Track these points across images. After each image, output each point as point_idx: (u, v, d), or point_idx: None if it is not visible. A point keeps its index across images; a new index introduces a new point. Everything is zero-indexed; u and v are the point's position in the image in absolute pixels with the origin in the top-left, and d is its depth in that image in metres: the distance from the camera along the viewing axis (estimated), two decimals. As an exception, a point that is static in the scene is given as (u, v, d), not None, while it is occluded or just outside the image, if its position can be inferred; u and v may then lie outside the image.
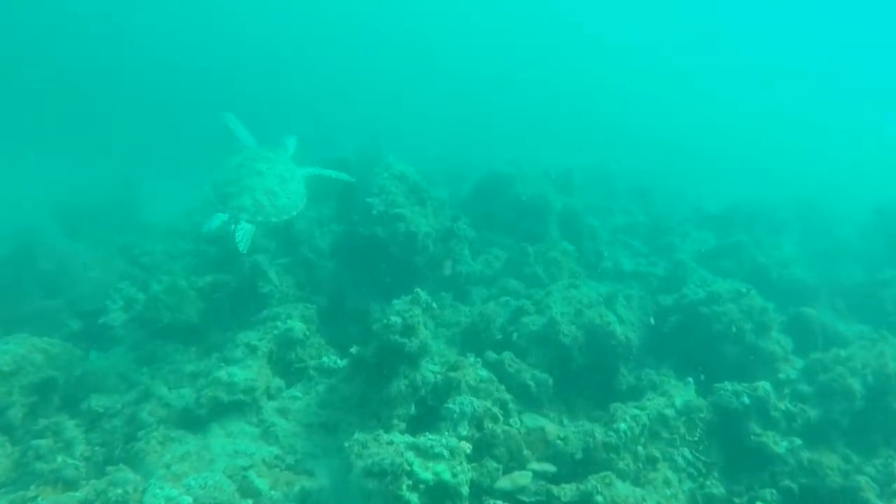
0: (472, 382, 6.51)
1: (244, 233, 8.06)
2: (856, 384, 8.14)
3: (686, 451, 7.12)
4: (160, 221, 15.56)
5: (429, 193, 10.65)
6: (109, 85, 39.58)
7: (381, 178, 10.22)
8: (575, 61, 66.17)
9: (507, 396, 6.73)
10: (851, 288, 12.87)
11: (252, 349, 7.67)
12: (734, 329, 9.26)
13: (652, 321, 9.92)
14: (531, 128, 38.52)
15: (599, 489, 5.52)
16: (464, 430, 5.80)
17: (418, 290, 7.09)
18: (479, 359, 7.44)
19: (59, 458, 6.20)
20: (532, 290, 10.62)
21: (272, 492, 5.86)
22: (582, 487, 5.57)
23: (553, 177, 17.61)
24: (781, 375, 8.78)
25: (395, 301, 7.03)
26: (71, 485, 5.84)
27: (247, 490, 5.83)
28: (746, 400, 7.34)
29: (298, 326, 8.04)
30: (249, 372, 7.14)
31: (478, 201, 14.87)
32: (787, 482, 6.82)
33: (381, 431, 5.46)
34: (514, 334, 8.66)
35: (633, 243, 15.53)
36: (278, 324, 8.15)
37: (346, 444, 5.32)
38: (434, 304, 7.34)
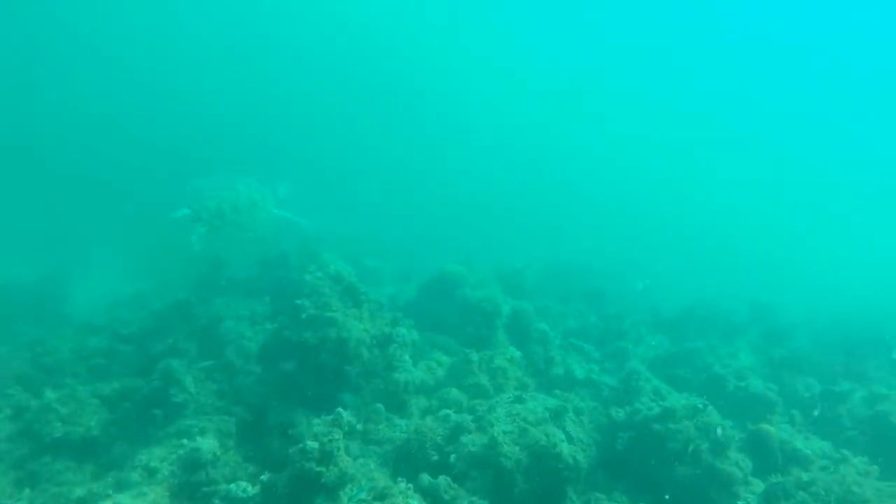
0: (400, 515, 5.84)
1: (200, 235, 10.11)
2: (820, 514, 7.66)
3: None
4: (81, 313, 14.69)
5: (366, 295, 10.13)
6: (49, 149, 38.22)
7: (314, 277, 9.70)
8: (539, 152, 67.09)
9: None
10: (809, 400, 12.56)
11: (151, 472, 6.88)
12: (690, 448, 8.76)
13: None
14: (493, 222, 38.60)
15: None
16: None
17: (340, 409, 6.47)
18: (411, 484, 6.77)
19: None
20: (476, 401, 10.04)
21: None
22: None
23: (505, 277, 17.38)
24: (741, 503, 8.24)
25: (314, 421, 6.39)
26: None
27: None
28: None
29: (208, 445, 7.28)
30: (142, 502, 6.32)
31: (425, 302, 14.43)
32: None
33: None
34: (453, 455, 8.02)
35: (586, 347, 15.08)
36: (185, 441, 7.39)
37: None
38: (358, 426, 6.71)
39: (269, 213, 11.89)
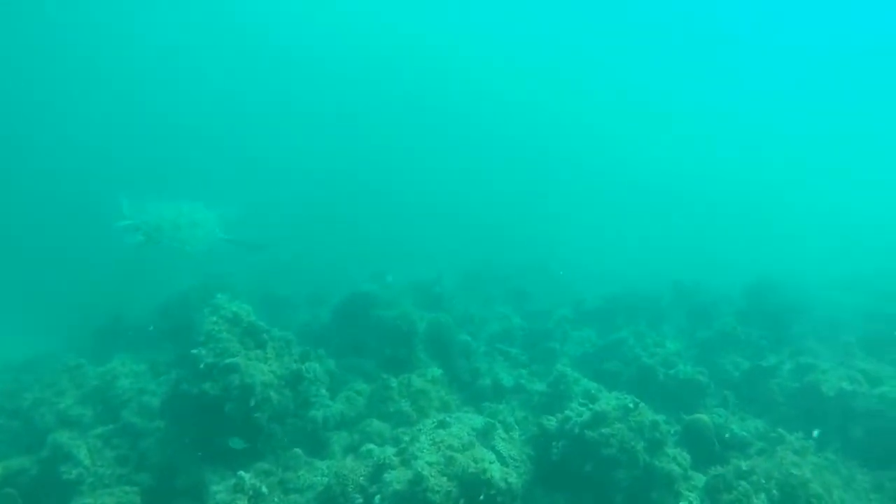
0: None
1: (137, 244, 11.67)
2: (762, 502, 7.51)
3: None
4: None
5: (269, 333, 9.52)
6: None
7: (209, 322, 9.02)
8: (444, 154, 66.25)
9: None
10: (739, 379, 12.57)
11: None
12: (626, 452, 8.50)
13: None
14: (402, 233, 37.79)
15: None
16: None
17: (242, 473, 5.87)
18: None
19: None
20: (399, 429, 9.55)
21: None
22: None
23: (422, 289, 16.95)
24: (683, 502, 8.02)
25: (213, 489, 5.77)
26: None
27: None
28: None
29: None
30: None
31: (340, 326, 13.87)
32: None
33: None
34: (377, 496, 7.49)
35: (512, 351, 14.81)
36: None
37: None
38: (264, 489, 6.11)
39: (211, 233, 13.50)
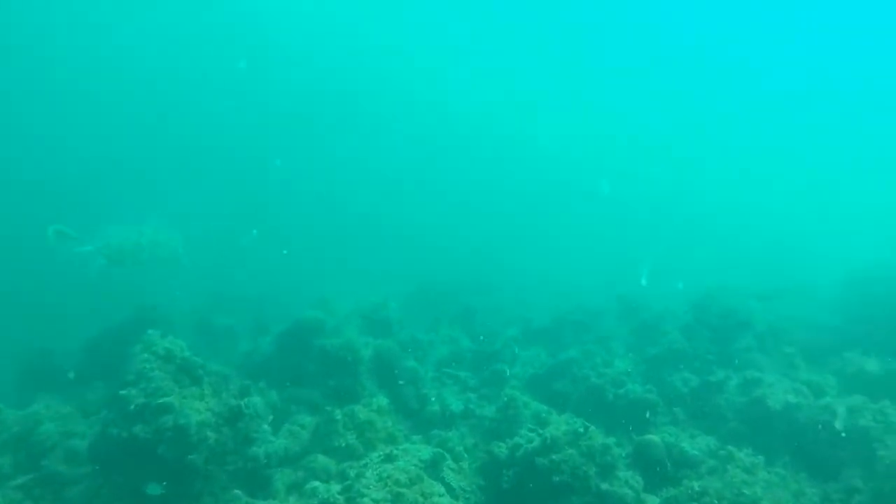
0: None
1: (99, 267, 12.75)
2: (716, 525, 7.46)
3: None
4: None
5: (205, 369, 9.14)
6: None
7: (140, 360, 8.60)
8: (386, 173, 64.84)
9: None
10: (688, 395, 12.60)
11: None
12: (578, 478, 8.38)
13: None
14: (347, 254, 37.09)
15: None
16: None
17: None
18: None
19: None
20: (345, 464, 9.26)
21: None
22: None
23: (368, 313, 16.62)
24: (637, 528, 7.91)
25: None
26: None
27: None
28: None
29: None
30: None
31: (284, 355, 13.44)
32: None
33: None
34: (321, 539, 7.19)
35: (461, 375, 14.62)
36: None
37: None
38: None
39: (174, 252, 15.11)
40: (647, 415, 11.63)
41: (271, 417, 10.48)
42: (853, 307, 16.10)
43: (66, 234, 13.01)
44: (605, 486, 8.51)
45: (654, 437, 9.86)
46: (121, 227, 14.37)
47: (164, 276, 19.81)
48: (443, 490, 7.98)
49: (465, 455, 9.72)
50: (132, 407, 8.09)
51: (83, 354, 13.72)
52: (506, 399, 11.59)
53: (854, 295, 16.91)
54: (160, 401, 8.14)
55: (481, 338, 17.10)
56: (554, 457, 8.50)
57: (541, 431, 9.09)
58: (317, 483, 8.54)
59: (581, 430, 8.83)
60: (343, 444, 9.83)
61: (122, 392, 8.20)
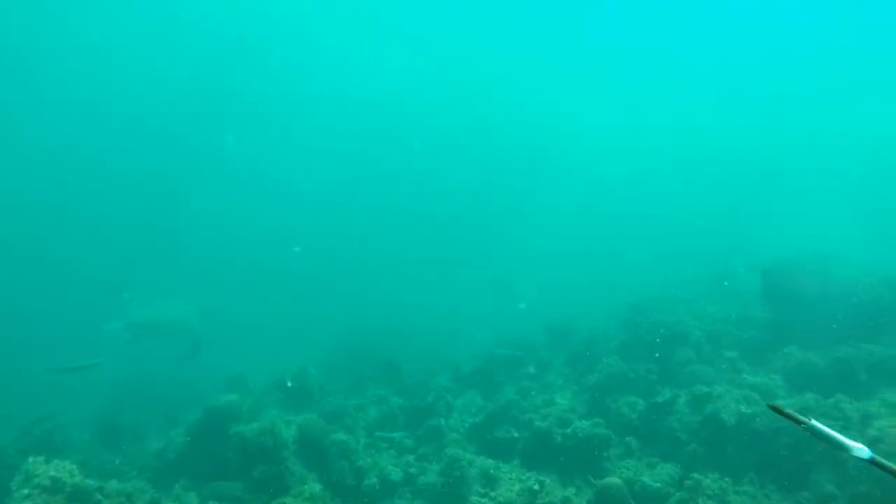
0: None
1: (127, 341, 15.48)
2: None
3: None
4: None
5: (104, 491, 8.05)
6: None
7: (20, 497, 7.30)
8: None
9: None
10: (638, 421, 12.02)
11: None
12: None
13: None
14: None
15: None
16: None
17: None
18: None
19: None
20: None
21: None
22: None
23: (285, 385, 15.52)
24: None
25: None
26: None
27: None
28: None
29: None
30: None
31: (200, 448, 12.29)
32: None
33: None
34: None
35: (395, 437, 13.62)
36: None
37: None
38: None
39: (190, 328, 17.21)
40: (600, 451, 10.96)
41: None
42: (779, 301, 15.98)
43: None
44: (572, 545, 7.72)
45: (614, 480, 9.17)
46: (145, 303, 17.09)
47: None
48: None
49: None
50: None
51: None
52: (448, 459, 10.69)
53: (778, 287, 16.86)
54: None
55: (411, 391, 16.24)
56: (513, 524, 7.65)
57: (492, 495, 8.24)
58: None
59: (536, 486, 8.10)
60: (273, 547, 8.70)
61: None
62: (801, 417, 1.71)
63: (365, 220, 54.33)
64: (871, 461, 1.59)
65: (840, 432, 6.18)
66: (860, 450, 1.59)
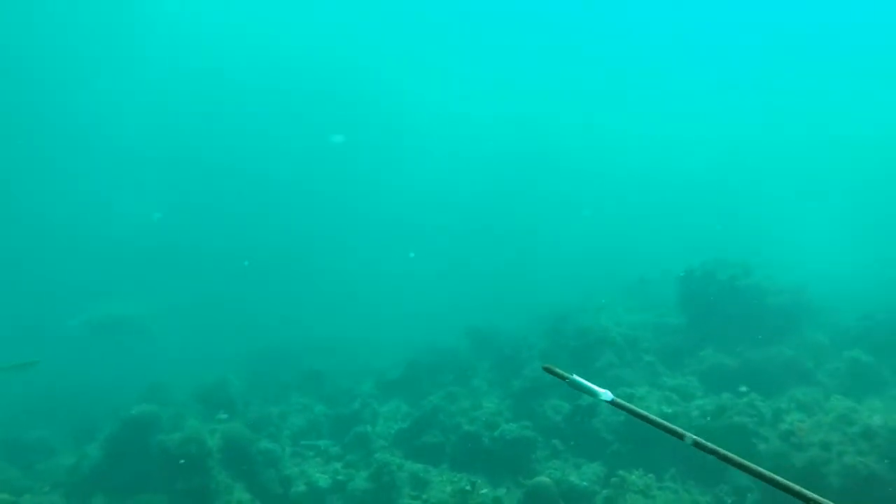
0: None
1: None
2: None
3: None
4: None
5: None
6: None
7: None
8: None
9: None
10: (563, 423, 12.29)
11: None
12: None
13: None
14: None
15: None
16: None
17: None
18: None
19: None
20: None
21: None
22: None
23: (207, 394, 15.18)
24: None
25: None
26: None
27: None
28: None
29: None
30: None
31: (116, 462, 11.82)
32: None
33: None
34: None
35: (322, 444, 13.50)
36: None
37: None
38: None
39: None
40: (528, 452, 11.15)
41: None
42: (694, 307, 16.60)
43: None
44: (504, 544, 7.84)
45: (543, 479, 9.37)
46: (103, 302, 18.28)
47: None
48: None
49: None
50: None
51: None
52: (377, 465, 10.67)
53: (692, 294, 17.49)
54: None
55: (335, 399, 16.10)
56: (446, 524, 7.71)
57: (424, 497, 8.29)
58: None
59: (468, 487, 8.18)
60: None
61: None
62: (566, 374, 1.99)
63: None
64: (612, 403, 1.87)
65: (754, 428, 6.48)
66: (605, 394, 1.87)
